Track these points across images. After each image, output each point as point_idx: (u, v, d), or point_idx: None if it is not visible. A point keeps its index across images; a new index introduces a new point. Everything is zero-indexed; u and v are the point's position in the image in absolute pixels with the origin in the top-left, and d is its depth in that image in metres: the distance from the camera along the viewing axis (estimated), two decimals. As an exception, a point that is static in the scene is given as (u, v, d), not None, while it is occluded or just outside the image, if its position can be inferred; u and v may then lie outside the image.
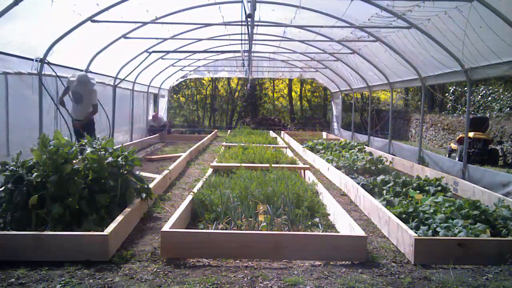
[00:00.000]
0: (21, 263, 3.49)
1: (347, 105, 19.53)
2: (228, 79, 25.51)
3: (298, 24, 9.44)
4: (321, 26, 8.67)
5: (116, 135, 10.57)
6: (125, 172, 4.76)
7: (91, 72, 8.83)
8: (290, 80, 25.60)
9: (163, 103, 17.55)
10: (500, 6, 5.48)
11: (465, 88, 14.94)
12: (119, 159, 4.69)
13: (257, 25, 9.50)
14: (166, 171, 6.82)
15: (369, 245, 4.20)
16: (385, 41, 8.78)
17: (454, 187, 6.87)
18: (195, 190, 5.46)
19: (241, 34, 7.01)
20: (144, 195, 4.95)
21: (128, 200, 4.64)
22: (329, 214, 5.10)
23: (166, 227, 3.86)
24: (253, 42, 10.18)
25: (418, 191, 6.03)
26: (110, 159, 4.61)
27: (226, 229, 4.23)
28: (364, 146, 11.67)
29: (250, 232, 3.97)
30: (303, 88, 27.50)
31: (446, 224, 4.28)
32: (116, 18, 7.39)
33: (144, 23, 8.29)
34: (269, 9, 8.67)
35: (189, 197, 5.11)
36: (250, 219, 4.45)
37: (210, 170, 7.23)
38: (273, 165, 7.20)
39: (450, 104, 17.01)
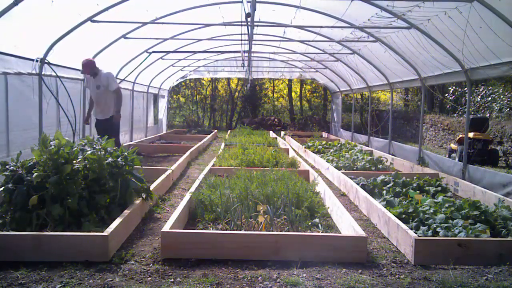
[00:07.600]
0: (21, 264, 3.49)
1: (347, 105, 19.53)
2: (228, 79, 25.48)
3: (298, 24, 9.44)
4: (321, 27, 8.67)
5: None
6: (125, 172, 4.75)
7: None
8: (290, 81, 25.60)
9: (163, 103, 17.54)
10: (500, 7, 5.48)
11: (465, 89, 14.94)
12: (119, 159, 4.68)
13: (257, 25, 9.50)
14: (168, 171, 6.79)
15: (369, 246, 4.20)
16: (385, 41, 8.78)
17: (454, 187, 6.87)
18: (195, 190, 5.46)
19: (241, 34, 7.02)
20: (144, 195, 4.95)
21: (128, 201, 4.64)
22: (329, 215, 5.10)
23: (166, 228, 3.86)
24: (253, 42, 10.19)
25: (418, 192, 6.03)
26: (110, 159, 4.60)
27: (226, 230, 4.23)
28: (364, 147, 11.68)
29: (250, 232, 3.97)
30: (303, 89, 27.48)
31: (446, 225, 4.28)
32: (116, 18, 7.39)
33: (144, 23, 8.29)
34: (269, 9, 8.67)
35: (189, 198, 5.11)
36: (250, 219, 4.45)
37: (210, 171, 7.21)
38: (273, 168, 7.17)
39: (450, 105, 17.00)
